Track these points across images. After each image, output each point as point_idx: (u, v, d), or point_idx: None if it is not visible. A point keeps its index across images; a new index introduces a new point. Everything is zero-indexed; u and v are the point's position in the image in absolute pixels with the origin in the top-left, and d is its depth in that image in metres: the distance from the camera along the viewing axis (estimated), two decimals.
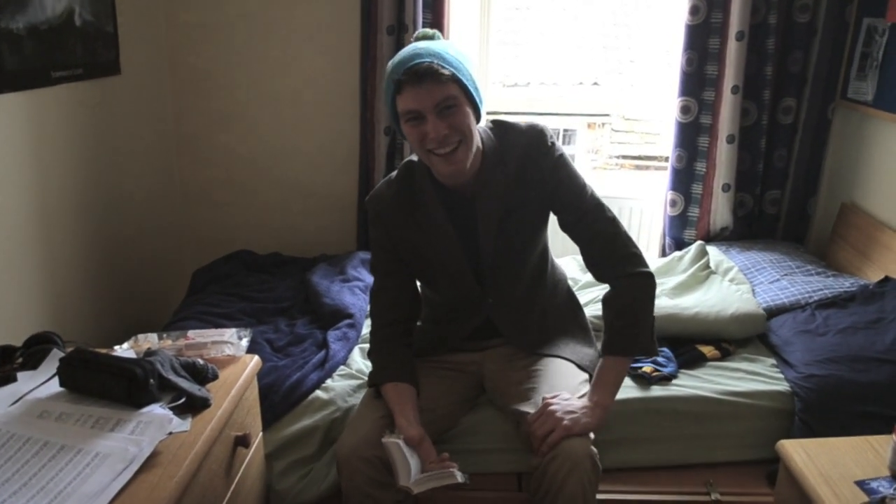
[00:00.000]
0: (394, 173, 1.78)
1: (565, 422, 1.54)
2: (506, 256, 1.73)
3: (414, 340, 1.82)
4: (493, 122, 1.75)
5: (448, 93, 1.53)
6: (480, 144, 1.67)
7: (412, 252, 1.75)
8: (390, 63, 1.59)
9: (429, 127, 1.54)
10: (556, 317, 1.88)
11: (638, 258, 1.71)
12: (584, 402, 1.61)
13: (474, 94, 1.59)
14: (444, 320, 1.87)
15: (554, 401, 1.59)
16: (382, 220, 1.74)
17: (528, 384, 1.72)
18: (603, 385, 1.65)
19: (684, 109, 2.79)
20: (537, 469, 1.54)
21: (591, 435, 1.57)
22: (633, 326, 1.68)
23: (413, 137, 1.58)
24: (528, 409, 1.64)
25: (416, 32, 1.65)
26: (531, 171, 1.68)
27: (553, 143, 1.69)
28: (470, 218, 1.70)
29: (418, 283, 1.85)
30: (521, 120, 1.74)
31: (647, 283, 1.70)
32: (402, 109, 1.57)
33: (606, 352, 1.68)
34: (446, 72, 1.53)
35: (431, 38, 1.63)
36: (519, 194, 1.69)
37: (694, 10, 2.67)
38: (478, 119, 1.63)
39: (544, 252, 1.85)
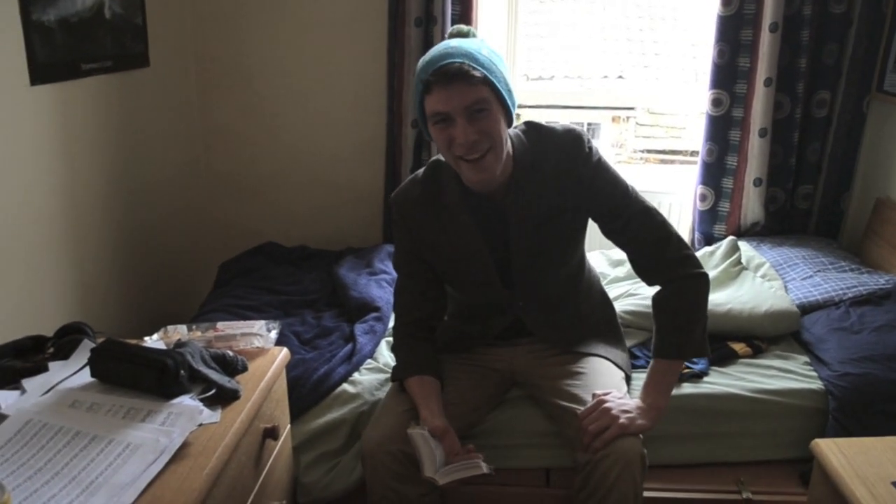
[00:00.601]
0: (420, 171, 1.73)
1: (621, 420, 1.52)
2: (539, 264, 1.69)
3: (439, 336, 1.81)
4: (527, 124, 1.68)
5: (479, 95, 1.47)
6: (511, 149, 1.61)
7: (436, 254, 1.71)
8: (420, 61, 1.54)
9: (457, 131, 1.48)
10: (589, 317, 1.85)
11: (692, 260, 1.66)
12: (639, 402, 1.59)
13: (506, 97, 1.53)
14: (470, 318, 1.85)
15: (608, 398, 1.57)
16: (406, 221, 1.71)
17: (573, 381, 1.70)
18: (656, 387, 1.62)
19: (716, 102, 2.75)
20: (586, 465, 1.52)
21: (641, 435, 1.56)
22: (688, 327, 1.64)
23: (440, 141, 1.53)
24: (574, 405, 1.62)
25: (451, 29, 1.61)
26: (568, 178, 1.62)
27: (591, 149, 1.63)
28: (499, 224, 1.65)
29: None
30: (556, 123, 1.67)
31: (701, 284, 1.65)
32: (430, 111, 1.51)
33: (659, 354, 1.65)
34: (478, 73, 1.47)
35: (466, 35, 1.59)
36: (555, 202, 1.64)
37: (726, 1, 2.62)
38: (509, 124, 1.57)
39: (581, 260, 1.81)
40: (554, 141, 1.62)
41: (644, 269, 1.70)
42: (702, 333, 1.65)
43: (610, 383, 1.68)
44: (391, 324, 2.22)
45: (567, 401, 1.66)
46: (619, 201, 1.64)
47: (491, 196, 1.64)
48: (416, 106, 1.56)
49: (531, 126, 1.67)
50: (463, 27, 1.60)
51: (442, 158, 1.66)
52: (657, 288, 1.70)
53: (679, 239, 1.67)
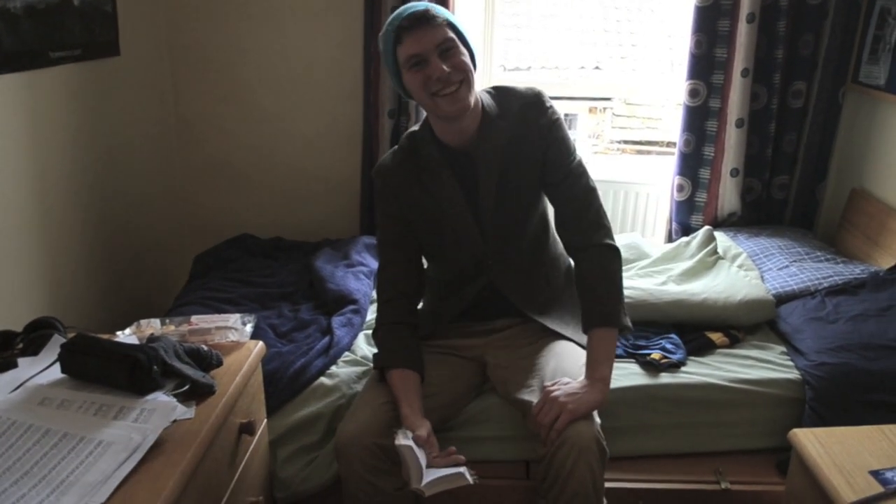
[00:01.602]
0: (397, 145, 1.83)
1: (570, 405, 1.52)
2: (506, 214, 1.74)
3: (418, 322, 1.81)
4: (494, 87, 1.79)
5: (446, 35, 1.60)
6: (481, 103, 1.71)
7: (420, 214, 1.76)
8: (387, 21, 1.65)
9: (431, 68, 1.59)
10: (557, 289, 1.87)
11: (607, 230, 1.74)
12: (583, 381, 1.59)
13: (468, 39, 1.66)
14: (446, 295, 1.86)
15: (554, 387, 1.57)
16: (391, 187, 1.77)
17: (532, 372, 1.70)
18: (595, 360, 1.62)
19: (693, 93, 2.75)
20: (545, 457, 1.52)
21: (598, 420, 1.56)
22: (609, 297, 1.68)
23: (416, 83, 1.62)
24: (532, 398, 1.62)
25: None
26: (529, 128, 1.72)
27: (551, 106, 1.74)
28: (472, 176, 1.73)
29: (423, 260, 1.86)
30: (520, 85, 1.78)
31: (614, 255, 1.72)
32: (403, 57, 1.61)
33: (589, 325, 1.66)
34: (440, 17, 1.61)
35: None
36: (517, 151, 1.72)
37: None
38: (474, 65, 1.66)
39: (544, 217, 1.85)
40: (518, 97, 1.74)
41: (563, 226, 1.77)
42: (621, 307, 1.69)
43: (570, 366, 1.68)
44: (369, 316, 2.21)
45: (523, 393, 1.67)
46: (563, 157, 1.74)
47: (463, 149, 1.73)
48: (389, 61, 1.66)
49: (497, 87, 1.79)
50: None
51: (416, 128, 1.79)
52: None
53: (600, 208, 1.75)
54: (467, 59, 1.63)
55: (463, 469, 1.49)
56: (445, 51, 1.60)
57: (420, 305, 1.89)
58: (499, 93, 1.76)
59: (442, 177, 1.73)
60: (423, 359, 1.72)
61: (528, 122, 1.72)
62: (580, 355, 1.74)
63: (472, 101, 1.66)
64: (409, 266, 1.79)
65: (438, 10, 1.63)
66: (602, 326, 1.65)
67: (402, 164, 1.77)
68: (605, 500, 1.55)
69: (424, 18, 1.59)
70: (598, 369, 1.60)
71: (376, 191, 1.82)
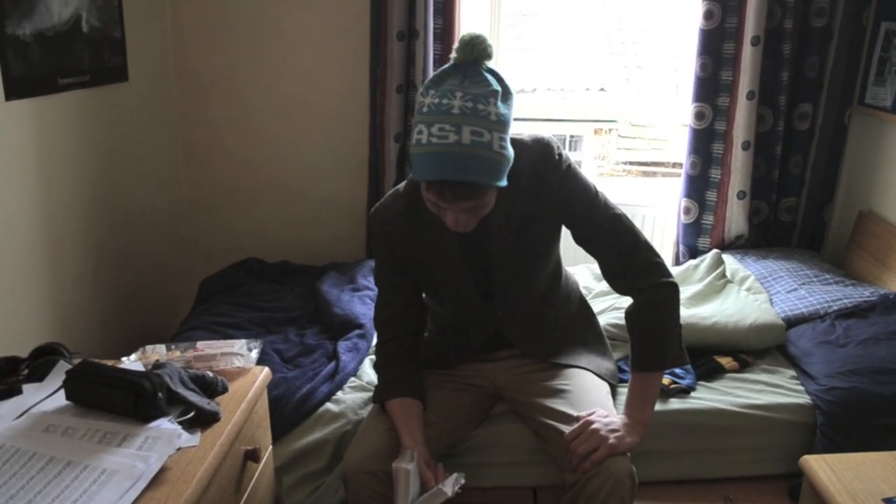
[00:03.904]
0: (401, 186, 1.69)
1: (611, 440, 1.50)
2: (518, 273, 1.68)
3: (420, 352, 1.77)
4: None
5: (478, 203, 1.43)
6: None
7: (417, 269, 1.69)
8: (420, 110, 1.42)
9: (449, 217, 1.47)
10: (569, 327, 1.84)
11: (660, 267, 1.63)
12: (624, 419, 1.58)
13: (507, 170, 1.45)
14: (451, 330, 1.82)
15: (594, 418, 1.55)
16: (387, 235, 1.68)
17: (558, 398, 1.68)
18: (640, 401, 1.61)
19: (698, 115, 2.75)
20: (575, 485, 1.51)
21: (628, 453, 1.54)
22: (662, 339, 1.61)
23: (430, 205, 1.49)
24: (561, 424, 1.60)
25: (462, 38, 1.45)
26: (540, 187, 1.60)
27: (560, 156, 1.61)
28: (478, 235, 1.61)
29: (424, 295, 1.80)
30: (525, 133, 1.63)
31: (671, 293, 1.62)
32: (424, 191, 1.46)
33: (638, 368, 1.63)
34: (483, 187, 1.40)
35: (478, 57, 1.43)
36: (530, 210, 1.62)
37: (708, 15, 2.64)
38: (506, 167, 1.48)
39: (557, 266, 1.80)
40: (526, 151, 1.58)
41: (613, 275, 1.67)
42: (678, 342, 1.63)
43: (595, 399, 1.66)
44: (375, 341, 2.20)
45: (553, 419, 1.64)
46: (588, 207, 1.62)
47: None
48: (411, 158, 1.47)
49: None
50: (476, 43, 1.43)
51: None
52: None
53: (648, 246, 1.65)
54: (492, 199, 1.47)
55: (444, 483, 1.48)
56: (473, 209, 1.46)
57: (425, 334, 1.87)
58: None
59: (443, 237, 1.62)
60: (423, 386, 1.69)
61: (540, 180, 1.59)
62: (601, 385, 1.74)
63: None
64: (406, 309, 1.71)
65: (486, 165, 1.38)
66: (648, 371, 1.63)
67: (402, 215, 1.64)
68: None
69: (460, 197, 1.40)
70: (641, 413, 1.60)
71: (373, 232, 1.72)
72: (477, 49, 1.42)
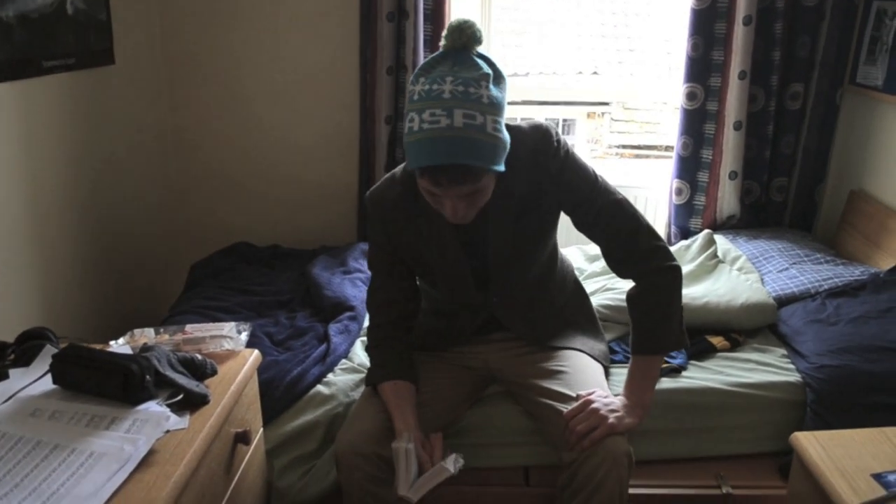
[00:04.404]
0: (398, 170, 1.66)
1: (610, 420, 1.51)
2: (516, 260, 1.67)
3: (414, 335, 1.78)
4: None
5: (473, 188, 1.41)
6: None
7: (412, 255, 1.68)
8: (412, 98, 1.40)
9: (446, 206, 1.45)
10: (564, 309, 1.84)
11: (663, 251, 1.63)
12: (624, 400, 1.59)
13: (500, 167, 1.44)
14: (446, 314, 1.82)
15: (594, 397, 1.56)
16: (382, 220, 1.66)
17: (555, 378, 1.68)
18: (640, 383, 1.62)
19: (690, 96, 2.74)
20: (572, 464, 1.51)
21: (626, 436, 1.55)
22: (664, 323, 1.61)
23: (424, 192, 1.47)
24: (558, 403, 1.61)
25: (450, 24, 1.42)
26: (539, 173, 1.58)
27: (559, 142, 1.59)
28: (476, 224, 1.59)
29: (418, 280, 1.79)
30: (524, 121, 1.61)
31: (674, 277, 1.62)
32: (419, 181, 1.44)
33: (638, 351, 1.64)
34: (477, 171, 1.38)
35: (465, 43, 1.42)
36: (529, 198, 1.61)
37: None
38: (501, 155, 1.46)
39: (554, 251, 1.79)
40: (523, 139, 1.57)
41: (616, 260, 1.66)
42: (679, 326, 1.63)
43: (592, 380, 1.67)
44: (366, 323, 2.19)
45: (551, 399, 1.64)
46: (589, 193, 1.61)
47: None
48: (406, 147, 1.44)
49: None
50: (465, 28, 1.41)
51: None
52: (632, 282, 1.68)
53: (650, 230, 1.64)
54: (490, 186, 1.46)
55: (446, 460, 1.49)
56: (470, 196, 1.44)
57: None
58: None
59: (439, 225, 1.60)
60: (416, 368, 1.69)
61: (538, 166, 1.57)
62: (595, 367, 1.75)
63: None
64: (398, 293, 1.71)
65: (479, 148, 1.36)
66: (649, 354, 1.64)
67: (398, 201, 1.62)
68: None
69: (454, 181, 1.38)
70: (641, 395, 1.61)
71: (367, 215, 1.70)
72: (466, 34, 1.41)
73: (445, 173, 1.37)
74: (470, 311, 1.77)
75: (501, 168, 1.44)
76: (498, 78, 1.43)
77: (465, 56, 1.41)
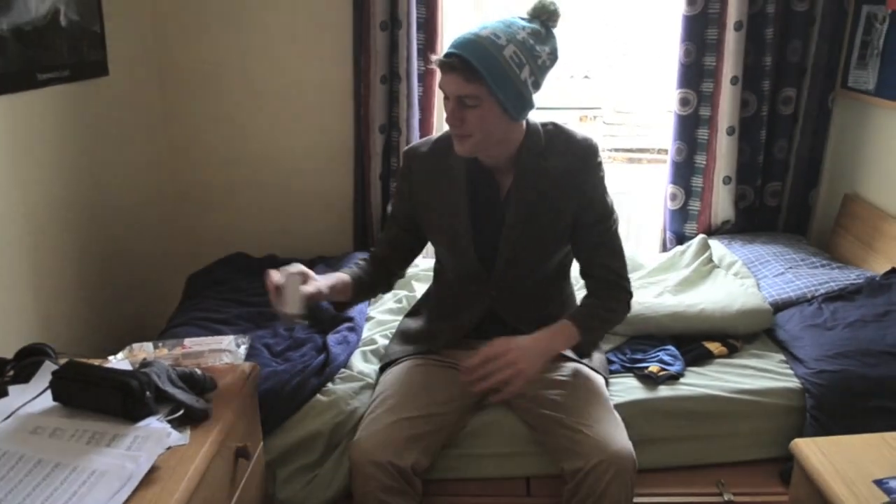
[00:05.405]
0: (441, 134, 1.78)
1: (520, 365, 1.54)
2: (521, 250, 1.71)
3: (413, 334, 1.85)
4: (552, 122, 1.74)
5: (469, 91, 1.53)
6: (521, 136, 1.67)
7: (426, 215, 1.77)
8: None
9: (447, 109, 1.58)
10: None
11: (629, 285, 1.76)
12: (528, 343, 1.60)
13: (504, 99, 1.54)
14: (448, 313, 1.85)
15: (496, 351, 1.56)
16: (409, 170, 1.78)
17: (556, 389, 1.70)
18: (549, 334, 1.63)
19: (683, 101, 2.75)
20: (577, 473, 1.52)
21: (630, 444, 1.58)
22: (602, 325, 1.74)
23: (445, 108, 1.61)
24: (559, 415, 1.63)
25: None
26: (573, 180, 1.67)
27: (600, 163, 1.70)
28: (496, 200, 1.71)
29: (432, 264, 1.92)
30: (578, 130, 1.74)
31: (625, 309, 1.76)
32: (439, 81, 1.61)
33: (573, 318, 1.66)
34: (473, 72, 1.51)
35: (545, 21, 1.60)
36: (553, 195, 1.67)
37: (691, 1, 2.63)
38: (514, 118, 1.60)
39: (563, 268, 1.83)
40: (570, 142, 1.69)
41: (586, 275, 1.77)
42: (599, 339, 1.86)
43: (592, 388, 1.69)
44: (365, 334, 2.20)
45: (551, 410, 1.65)
46: (597, 219, 1.70)
47: (494, 174, 1.71)
48: None
49: (553, 124, 1.74)
50: (546, 4, 1.60)
51: None
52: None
53: (624, 269, 1.75)
54: (489, 119, 1.56)
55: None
56: (465, 103, 1.55)
57: (419, 323, 1.91)
58: (552, 128, 1.71)
59: (458, 189, 1.71)
60: (362, 280, 1.78)
61: (573, 174, 1.67)
62: (595, 377, 1.77)
63: (478, 152, 1.64)
64: (396, 253, 1.85)
65: (486, 58, 1.51)
66: (577, 325, 1.65)
67: (428, 154, 1.75)
68: None
69: (453, 69, 1.52)
70: (548, 341, 1.63)
71: (399, 170, 1.85)
72: (547, 10, 1.59)
73: (449, 61, 1.52)
74: (471, 297, 1.78)
75: (501, 96, 1.53)
76: (546, 39, 1.58)
77: (536, 24, 1.59)
